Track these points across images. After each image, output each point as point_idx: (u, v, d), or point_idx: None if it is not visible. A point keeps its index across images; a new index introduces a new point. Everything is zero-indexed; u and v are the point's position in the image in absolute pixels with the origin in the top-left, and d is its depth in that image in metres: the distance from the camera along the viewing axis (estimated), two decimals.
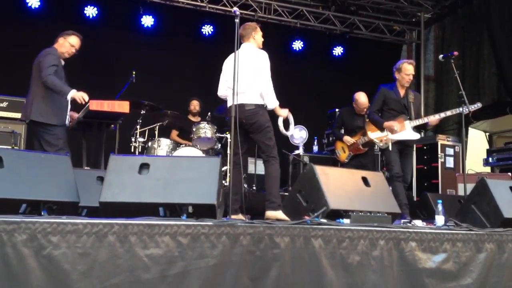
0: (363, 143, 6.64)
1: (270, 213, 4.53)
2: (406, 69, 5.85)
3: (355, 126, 6.91)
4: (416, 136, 5.85)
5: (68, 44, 5.30)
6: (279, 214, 4.45)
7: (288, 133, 5.35)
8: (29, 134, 5.73)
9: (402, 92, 5.92)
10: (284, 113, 5.14)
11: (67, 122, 5.24)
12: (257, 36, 5.14)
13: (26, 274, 2.48)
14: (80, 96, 4.97)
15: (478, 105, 5.64)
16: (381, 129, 5.87)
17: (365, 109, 6.86)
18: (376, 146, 6.54)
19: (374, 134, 6.03)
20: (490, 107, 5.49)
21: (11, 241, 2.49)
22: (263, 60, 4.92)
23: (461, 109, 5.46)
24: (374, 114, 5.98)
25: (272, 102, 4.90)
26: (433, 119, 5.82)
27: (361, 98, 6.91)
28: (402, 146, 5.84)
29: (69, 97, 5.00)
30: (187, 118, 7.96)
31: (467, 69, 9.45)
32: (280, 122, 5.21)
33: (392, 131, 5.75)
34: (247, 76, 4.72)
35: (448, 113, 5.75)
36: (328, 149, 8.17)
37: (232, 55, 4.70)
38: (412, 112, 5.85)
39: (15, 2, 8.25)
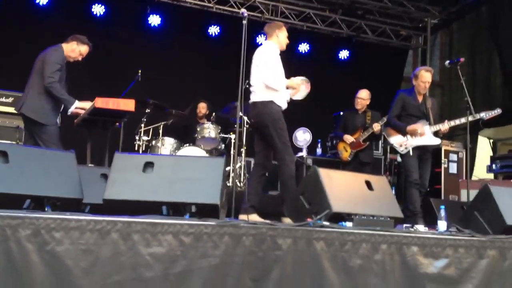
0: (364, 138, 6.75)
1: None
2: (423, 76, 5.81)
3: (356, 125, 7.00)
4: (437, 141, 5.81)
5: (79, 51, 5.27)
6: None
7: (298, 97, 5.15)
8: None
9: (420, 98, 5.91)
10: (290, 82, 4.96)
11: (58, 121, 5.21)
12: (281, 35, 5.02)
13: (29, 269, 2.49)
14: (81, 107, 5.11)
15: (498, 111, 5.57)
16: (403, 133, 5.81)
17: (365, 104, 7.02)
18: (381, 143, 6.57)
19: (394, 139, 5.92)
20: (499, 114, 5.58)
21: (15, 236, 2.50)
22: (262, 53, 4.87)
23: (477, 116, 5.44)
24: (394, 119, 5.93)
25: (275, 87, 4.77)
26: (445, 126, 5.72)
27: (362, 94, 7.07)
28: (421, 151, 5.79)
29: (72, 109, 5.07)
30: (193, 118, 7.96)
31: (478, 76, 9.43)
32: (293, 94, 5.11)
33: (415, 134, 5.70)
34: (253, 74, 4.88)
35: (463, 120, 5.60)
36: (332, 152, 8.17)
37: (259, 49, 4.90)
38: (431, 117, 5.81)
39: None
